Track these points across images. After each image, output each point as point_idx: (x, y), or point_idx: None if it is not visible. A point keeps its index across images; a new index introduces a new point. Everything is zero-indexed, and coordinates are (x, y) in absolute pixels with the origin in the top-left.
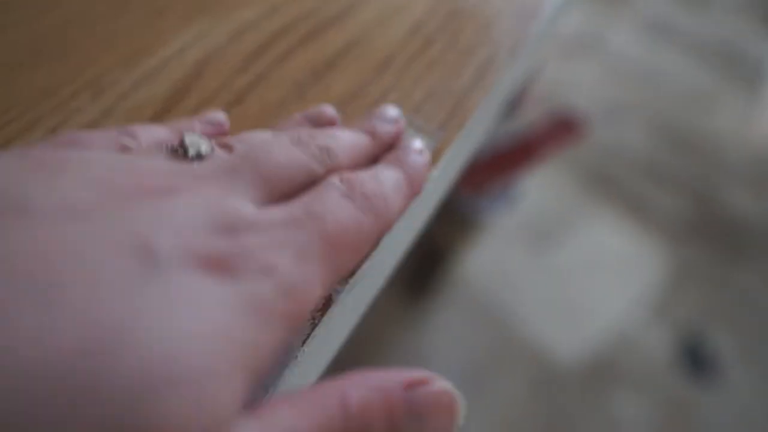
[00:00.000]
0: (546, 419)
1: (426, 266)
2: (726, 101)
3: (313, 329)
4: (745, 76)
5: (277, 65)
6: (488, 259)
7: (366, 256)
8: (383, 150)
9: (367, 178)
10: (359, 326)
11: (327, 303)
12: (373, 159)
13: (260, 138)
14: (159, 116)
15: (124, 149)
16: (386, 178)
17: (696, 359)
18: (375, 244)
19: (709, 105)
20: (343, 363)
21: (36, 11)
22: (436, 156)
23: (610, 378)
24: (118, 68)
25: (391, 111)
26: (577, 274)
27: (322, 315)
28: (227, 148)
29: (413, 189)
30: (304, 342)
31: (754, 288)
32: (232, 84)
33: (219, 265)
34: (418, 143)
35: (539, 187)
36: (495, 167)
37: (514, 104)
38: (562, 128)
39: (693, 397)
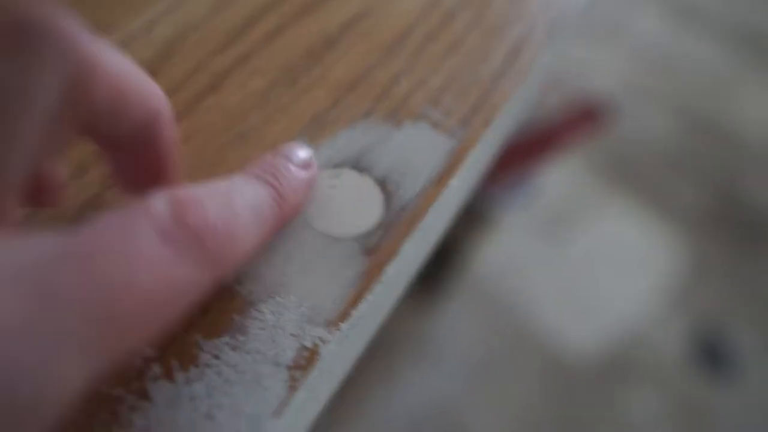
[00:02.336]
0: (557, 413)
1: (438, 259)
2: (752, 89)
3: (291, 393)
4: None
5: (265, 44)
6: (503, 250)
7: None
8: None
9: (211, 199)
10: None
11: (311, 357)
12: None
13: None
14: None
15: None
16: (243, 200)
17: (713, 355)
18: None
19: (734, 93)
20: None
21: None
22: (456, 160)
23: (624, 373)
24: None
25: (302, 152)
26: (593, 266)
27: (304, 373)
28: None
29: (283, 216)
30: (277, 411)
31: None
32: (207, 67)
33: None
34: (303, 153)
35: (555, 176)
36: (512, 158)
37: None
38: (585, 117)
39: (710, 395)
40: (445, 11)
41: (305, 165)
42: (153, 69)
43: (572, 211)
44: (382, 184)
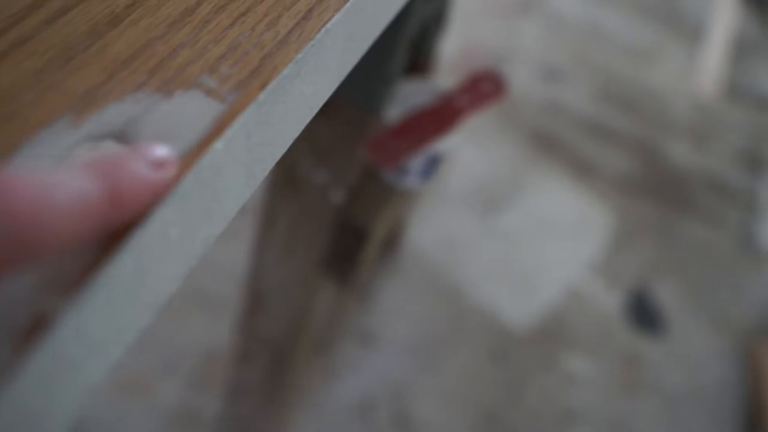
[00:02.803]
0: (503, 385)
1: (349, 242)
2: (667, 56)
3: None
4: (684, 30)
5: (47, 26)
6: (433, 227)
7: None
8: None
9: (25, 186)
10: (292, 308)
11: (35, 326)
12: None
13: None
14: None
15: None
16: (63, 191)
17: (643, 313)
18: None
19: (650, 61)
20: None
21: None
22: (222, 123)
23: (563, 338)
24: None
25: (159, 151)
26: (525, 237)
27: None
28: None
29: (117, 215)
30: None
31: (698, 239)
32: None
33: None
34: (160, 151)
35: (483, 151)
36: (410, 133)
37: (420, 65)
38: (480, 87)
39: (642, 351)
40: None
41: (158, 165)
42: None
43: (503, 185)
44: None
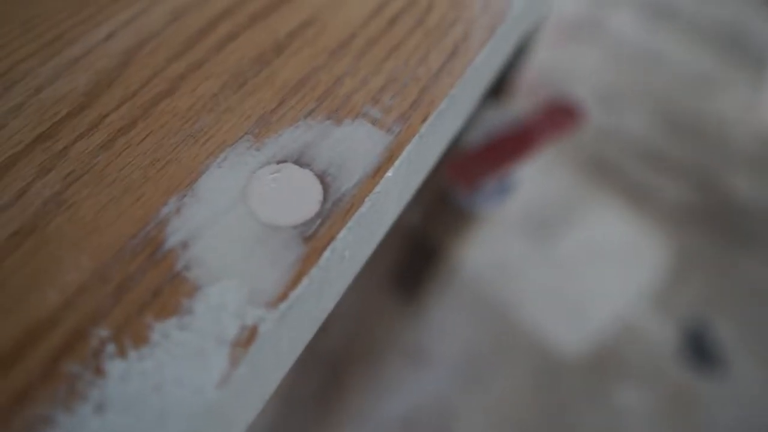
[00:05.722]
0: (548, 411)
1: (417, 262)
2: (729, 85)
3: (233, 368)
4: (748, 59)
5: (218, 51)
6: (487, 250)
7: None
8: None
9: None
10: (350, 324)
11: (251, 335)
12: None
13: None
14: (75, 113)
15: None
16: None
17: (699, 349)
18: None
19: (711, 89)
20: (338, 360)
21: None
22: (392, 154)
23: (612, 369)
24: (35, 57)
25: None
26: (578, 264)
27: (245, 350)
28: None
29: None
30: (220, 384)
31: (758, 276)
32: (163, 74)
33: None
34: None
35: (538, 176)
36: (489, 158)
37: (503, 90)
38: (559, 116)
39: (696, 388)
40: (388, 18)
41: None
42: (110, 77)
43: (557, 210)
44: (321, 177)
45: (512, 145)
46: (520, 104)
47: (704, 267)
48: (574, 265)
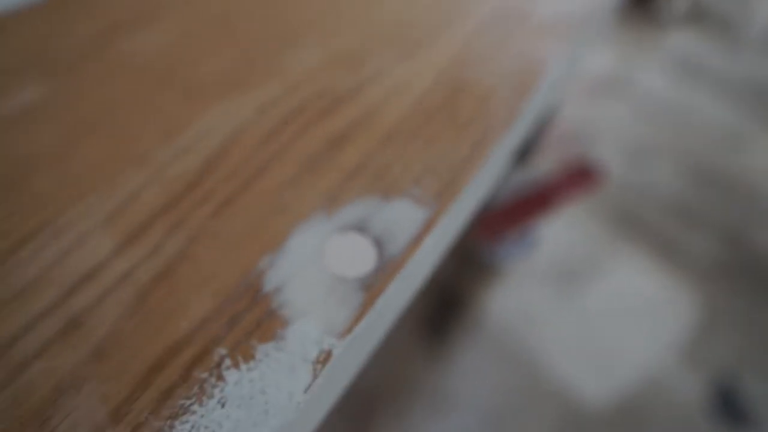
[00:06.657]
0: None
1: (445, 310)
2: (756, 141)
3: (314, 379)
4: None
5: (295, 140)
6: (514, 302)
7: (363, 316)
8: None
9: None
10: (382, 367)
11: (327, 356)
12: None
13: None
14: (193, 186)
15: None
16: None
17: (729, 405)
18: None
19: (739, 145)
20: (367, 404)
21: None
22: (430, 225)
23: (638, 424)
24: (158, 143)
25: None
26: (605, 317)
27: (323, 366)
28: None
29: None
30: (306, 390)
31: None
32: (254, 159)
33: None
34: None
35: (566, 229)
36: (512, 215)
37: (528, 153)
38: (579, 177)
39: None
40: (426, 113)
41: None
42: (215, 161)
43: (586, 263)
44: (377, 241)
45: (533, 204)
46: (543, 164)
47: (733, 322)
48: (601, 316)
